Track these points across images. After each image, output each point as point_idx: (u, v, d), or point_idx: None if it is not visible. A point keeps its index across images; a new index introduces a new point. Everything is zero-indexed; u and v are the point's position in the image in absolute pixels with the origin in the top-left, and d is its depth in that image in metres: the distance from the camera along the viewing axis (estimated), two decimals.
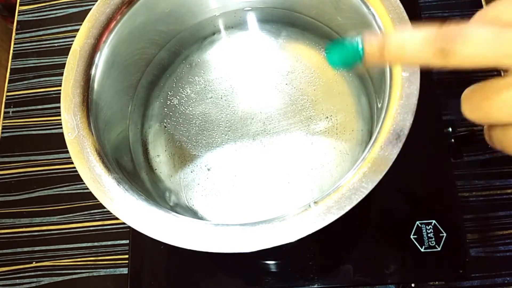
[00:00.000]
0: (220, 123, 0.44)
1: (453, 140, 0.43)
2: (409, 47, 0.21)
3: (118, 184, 0.32)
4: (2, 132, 0.55)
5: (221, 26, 0.48)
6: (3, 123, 0.55)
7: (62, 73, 0.36)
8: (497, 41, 0.19)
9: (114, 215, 0.30)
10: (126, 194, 0.31)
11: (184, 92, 0.46)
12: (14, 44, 0.59)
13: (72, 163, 0.32)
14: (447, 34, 0.20)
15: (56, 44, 0.59)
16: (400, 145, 0.30)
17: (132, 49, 0.42)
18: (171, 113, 0.45)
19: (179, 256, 0.43)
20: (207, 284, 0.42)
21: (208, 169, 0.42)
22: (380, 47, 0.21)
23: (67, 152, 0.33)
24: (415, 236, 0.40)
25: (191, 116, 0.44)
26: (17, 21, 0.61)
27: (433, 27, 0.20)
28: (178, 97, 0.45)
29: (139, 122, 0.45)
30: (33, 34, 0.60)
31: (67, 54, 0.36)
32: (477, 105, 0.20)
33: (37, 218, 0.50)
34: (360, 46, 0.22)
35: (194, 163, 0.42)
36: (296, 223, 0.28)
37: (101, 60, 0.37)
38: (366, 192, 0.29)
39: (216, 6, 0.47)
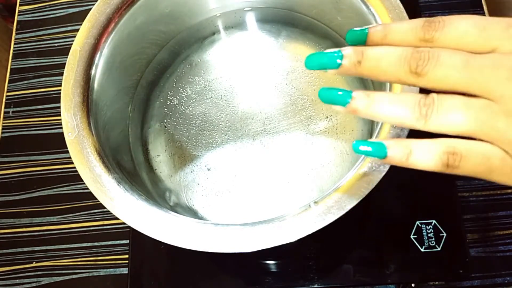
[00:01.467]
0: (220, 123, 0.44)
1: None
2: (384, 65, 0.21)
3: (118, 184, 0.32)
4: (2, 132, 0.55)
5: (221, 26, 0.48)
6: (3, 123, 0.55)
7: (62, 73, 0.36)
8: (466, 68, 0.19)
9: (114, 215, 0.30)
10: (126, 194, 0.31)
11: (184, 92, 0.46)
12: (14, 44, 0.59)
13: (72, 163, 0.32)
14: (421, 55, 0.20)
15: (56, 44, 0.59)
16: None
17: (132, 49, 0.42)
18: (171, 113, 0.45)
19: (179, 256, 0.43)
20: (207, 284, 0.42)
21: (208, 169, 0.42)
22: (357, 61, 0.21)
23: (67, 152, 0.33)
24: (415, 236, 0.40)
25: (191, 116, 0.44)
26: (17, 21, 0.61)
27: (409, 48, 0.21)
28: (178, 97, 0.45)
29: (139, 122, 0.45)
30: (33, 34, 0.60)
31: (67, 54, 0.36)
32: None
33: (37, 218, 0.50)
34: (339, 59, 0.22)
35: (194, 163, 0.42)
36: (296, 223, 0.28)
37: (101, 60, 0.37)
38: (366, 192, 0.29)
39: (216, 6, 0.47)
